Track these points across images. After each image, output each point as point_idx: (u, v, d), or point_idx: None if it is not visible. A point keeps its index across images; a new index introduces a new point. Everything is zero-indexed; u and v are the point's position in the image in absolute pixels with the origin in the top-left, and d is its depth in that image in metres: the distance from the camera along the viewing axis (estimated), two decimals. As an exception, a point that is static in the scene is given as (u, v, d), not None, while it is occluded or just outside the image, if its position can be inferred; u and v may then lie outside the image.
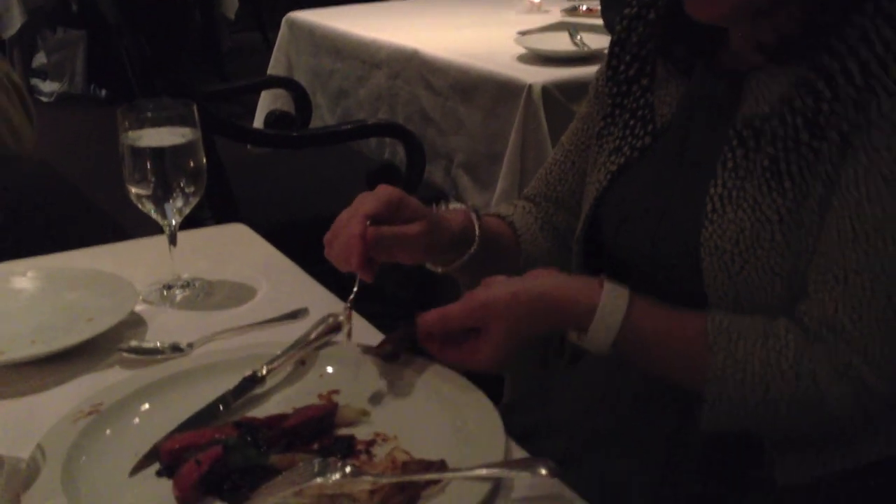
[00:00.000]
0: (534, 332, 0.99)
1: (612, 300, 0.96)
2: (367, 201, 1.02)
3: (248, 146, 3.00)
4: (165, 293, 1.23)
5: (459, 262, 1.11)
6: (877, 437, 0.99)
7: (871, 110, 0.89)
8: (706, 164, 0.99)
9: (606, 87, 1.16)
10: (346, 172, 2.67)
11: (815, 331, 0.92)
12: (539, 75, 2.29)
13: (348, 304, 1.01)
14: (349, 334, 1.01)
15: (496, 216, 1.22)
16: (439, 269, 1.14)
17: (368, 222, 0.99)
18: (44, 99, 6.01)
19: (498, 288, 0.98)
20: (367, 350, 1.01)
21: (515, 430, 0.91)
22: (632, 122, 1.11)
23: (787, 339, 0.92)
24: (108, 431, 0.91)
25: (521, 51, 2.50)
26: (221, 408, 0.95)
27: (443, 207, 1.15)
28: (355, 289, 1.01)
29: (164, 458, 0.86)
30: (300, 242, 1.48)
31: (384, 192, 1.03)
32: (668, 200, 1.05)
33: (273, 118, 2.77)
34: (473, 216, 1.12)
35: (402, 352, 0.99)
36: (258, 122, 3.07)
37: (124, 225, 3.54)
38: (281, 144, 2.63)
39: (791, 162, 0.93)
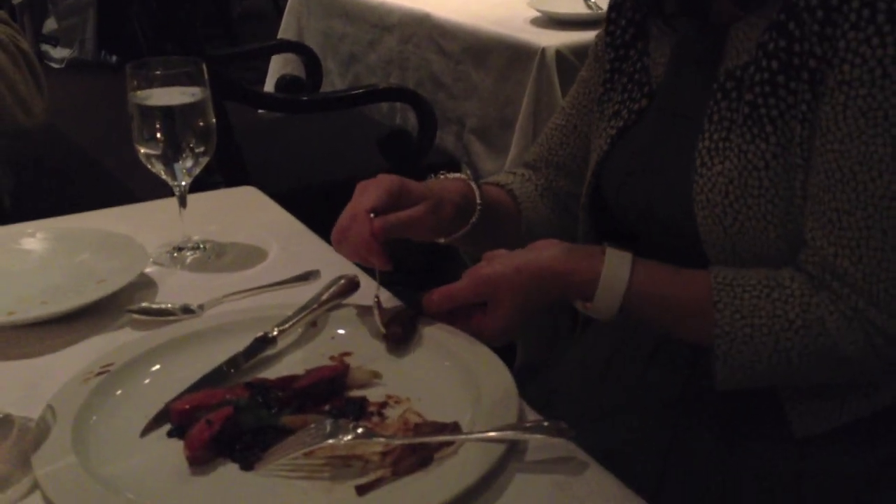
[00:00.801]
0: (539, 304, 1.00)
1: (614, 267, 0.97)
2: (368, 195, 1.01)
3: (259, 111, 3.00)
4: (176, 255, 1.22)
5: (462, 233, 1.12)
6: (892, 383, 0.99)
7: (838, 45, 0.88)
8: (695, 120, 1.00)
9: (605, 52, 1.16)
10: (357, 138, 2.66)
11: (818, 277, 0.92)
12: (552, 38, 2.27)
13: (375, 297, 1.00)
14: (383, 325, 0.99)
15: (495, 184, 1.22)
16: (442, 240, 1.14)
17: (373, 216, 0.99)
18: (54, 65, 5.99)
19: (501, 262, 0.98)
20: (377, 333, 1.00)
21: (527, 394, 0.91)
22: (629, 86, 1.11)
23: (792, 288, 0.92)
24: (118, 392, 0.90)
25: (535, 14, 2.47)
26: (232, 369, 0.94)
27: (441, 177, 1.14)
28: (378, 282, 1.01)
29: (175, 419, 0.86)
30: (311, 207, 1.48)
31: (384, 181, 1.03)
32: (662, 159, 1.05)
33: (284, 83, 2.75)
34: (474, 185, 1.13)
35: (411, 335, 0.98)
36: (269, 88, 3.05)
37: (135, 190, 3.54)
38: (291, 109, 2.62)
39: (770, 106, 0.93)
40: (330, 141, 2.72)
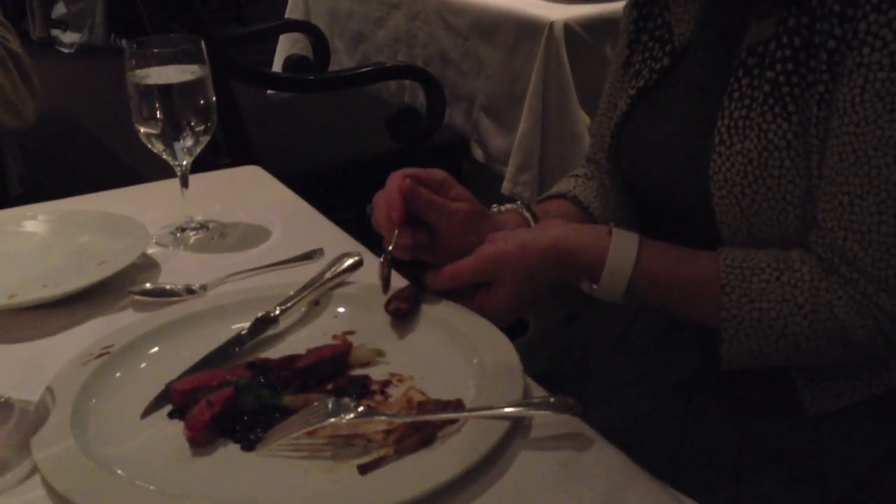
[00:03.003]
0: (544, 284, 0.98)
1: (620, 249, 0.96)
2: (412, 168, 1.01)
3: (267, 92, 2.99)
4: (178, 235, 1.21)
5: None
6: None
7: (858, 27, 0.85)
8: (716, 95, 0.97)
9: (630, 12, 1.13)
10: (366, 117, 2.65)
11: (828, 260, 0.90)
12: (561, 12, 2.25)
13: (386, 256, 0.98)
14: (385, 286, 0.98)
15: (556, 196, 1.18)
16: None
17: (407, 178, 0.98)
18: (64, 50, 6.00)
19: (506, 241, 0.97)
20: (380, 310, 0.98)
21: (534, 370, 0.89)
22: (651, 44, 1.09)
23: (802, 271, 0.90)
24: (118, 374, 0.89)
25: (542, -13, 2.43)
26: (234, 349, 0.93)
27: (494, 209, 1.11)
28: (391, 246, 0.98)
29: (176, 400, 0.85)
30: (319, 188, 1.47)
31: (431, 169, 1.02)
32: (681, 133, 1.03)
33: (291, 63, 2.74)
34: (528, 216, 1.09)
35: (414, 309, 0.97)
36: (276, 68, 3.04)
37: (145, 174, 3.53)
38: (299, 88, 2.61)
39: (793, 84, 0.91)
40: (338, 120, 2.71)
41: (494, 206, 1.12)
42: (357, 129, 2.62)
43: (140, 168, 3.64)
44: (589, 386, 1.14)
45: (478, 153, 2.53)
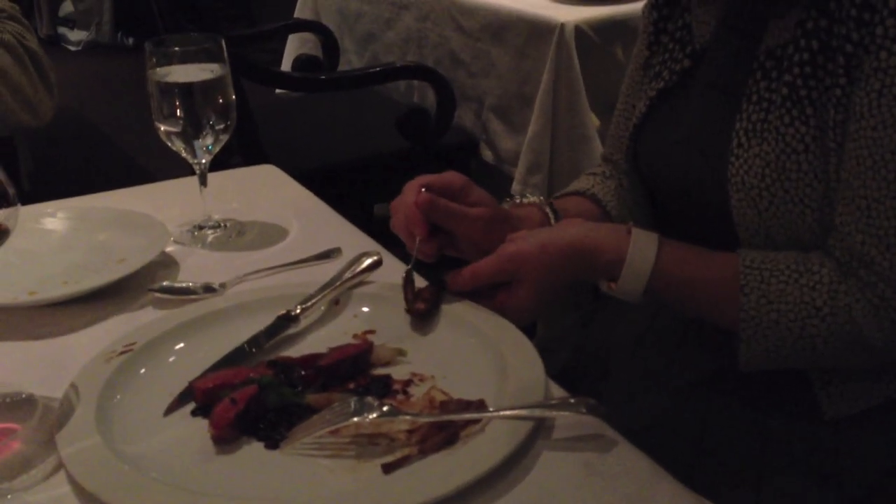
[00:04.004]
0: (563, 283, 0.99)
1: (640, 248, 0.96)
2: (428, 176, 1.02)
3: (277, 91, 2.99)
4: (197, 234, 1.21)
5: None
6: None
7: (875, 31, 0.85)
8: (735, 98, 0.97)
9: (649, 14, 1.13)
10: (375, 117, 2.66)
11: (846, 264, 0.90)
12: (571, 14, 2.25)
13: (409, 268, 0.99)
14: (410, 303, 0.97)
15: (574, 193, 1.19)
16: None
17: (423, 190, 0.99)
18: (71, 48, 6.00)
19: (526, 241, 0.97)
20: (401, 310, 0.98)
21: (552, 369, 0.89)
22: (671, 46, 1.09)
23: (820, 274, 0.90)
24: (142, 371, 0.89)
25: (553, -11, 2.43)
26: (255, 347, 0.93)
27: (516, 201, 1.12)
28: (414, 255, 1.00)
29: (199, 398, 0.85)
30: (330, 187, 1.47)
31: (450, 173, 1.03)
32: (699, 135, 1.03)
33: (301, 62, 2.74)
34: (548, 211, 1.10)
35: (435, 309, 0.97)
36: (286, 67, 3.04)
37: (153, 171, 3.54)
38: (309, 88, 2.61)
39: (811, 88, 0.91)
40: (348, 120, 2.71)
41: (516, 196, 1.13)
42: (366, 129, 2.62)
43: (148, 165, 3.64)
44: (606, 386, 1.14)
45: (487, 154, 2.53)
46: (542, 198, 1.12)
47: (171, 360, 0.92)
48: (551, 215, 1.09)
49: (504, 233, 1.02)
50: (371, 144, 2.49)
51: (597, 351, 1.21)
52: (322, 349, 0.92)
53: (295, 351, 0.94)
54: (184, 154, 1.17)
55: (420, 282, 1.01)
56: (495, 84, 2.44)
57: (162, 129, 1.15)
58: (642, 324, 1.17)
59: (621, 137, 1.18)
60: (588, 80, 2.24)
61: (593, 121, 2.28)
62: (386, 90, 2.82)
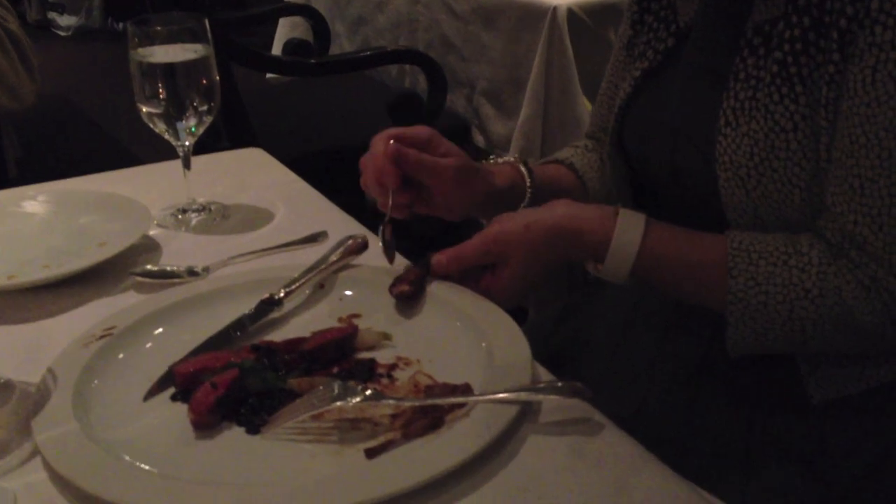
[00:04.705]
0: (550, 264, 0.97)
1: (626, 229, 0.94)
2: (395, 128, 1.02)
3: (267, 76, 2.96)
4: (180, 217, 1.20)
5: None
6: None
7: (870, 6, 0.83)
8: (722, 76, 0.96)
9: None
10: (366, 102, 2.64)
11: (837, 245, 0.89)
12: (564, -3, 2.21)
13: (386, 221, 0.99)
14: (387, 252, 0.98)
15: (553, 161, 1.19)
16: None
17: (392, 141, 0.99)
18: (61, 33, 5.96)
19: (511, 221, 0.97)
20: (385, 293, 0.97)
21: (539, 352, 0.88)
22: (656, 25, 1.07)
23: (810, 255, 0.89)
24: (120, 355, 0.88)
25: (546, -28, 2.41)
26: (238, 331, 0.92)
27: (491, 161, 1.12)
28: (388, 209, 0.99)
29: (179, 382, 0.83)
30: (319, 172, 1.46)
31: (416, 126, 1.03)
32: (685, 114, 1.01)
33: (291, 47, 2.72)
34: (523, 169, 1.10)
35: (419, 292, 0.96)
36: (276, 52, 3.01)
37: (143, 157, 3.51)
38: (299, 72, 2.58)
39: (801, 65, 0.89)
40: (338, 105, 2.69)
41: (492, 157, 1.13)
42: (357, 114, 2.60)
43: (138, 151, 3.61)
44: (592, 372, 1.13)
45: (479, 139, 2.51)
46: (516, 156, 1.12)
47: (151, 344, 0.91)
48: (525, 173, 1.09)
49: (475, 185, 1.03)
50: (362, 129, 2.40)
51: (583, 338, 1.19)
52: (306, 333, 0.91)
53: (278, 335, 0.92)
54: (167, 136, 1.15)
55: (403, 264, 1.00)
56: (487, 68, 2.42)
57: (144, 110, 1.13)
58: (629, 311, 1.15)
59: (605, 117, 1.17)
60: (581, 64, 2.22)
61: (585, 105, 2.26)
62: (377, 75, 2.80)
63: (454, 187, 1.02)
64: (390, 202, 1.00)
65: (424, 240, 1.17)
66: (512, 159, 1.12)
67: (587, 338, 1.18)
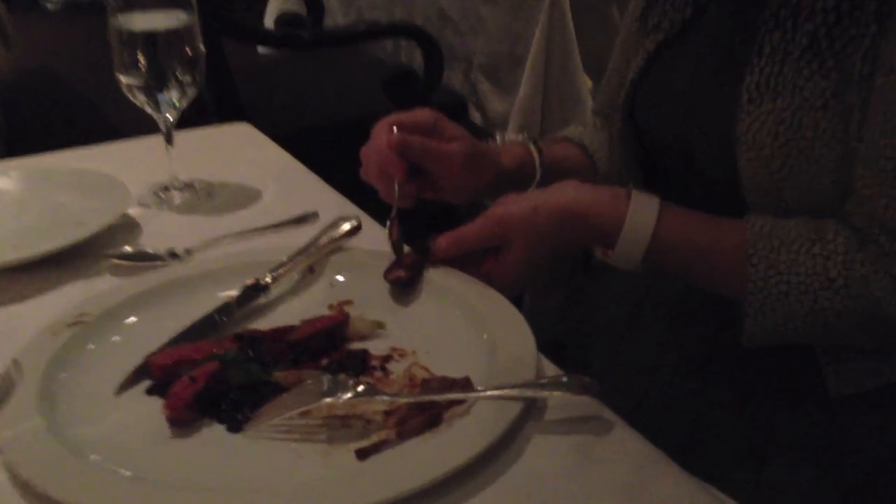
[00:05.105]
0: (556, 248, 0.93)
1: (639, 212, 0.90)
2: (397, 114, 0.99)
3: (258, 50, 2.94)
4: (162, 195, 1.15)
5: None
6: None
7: None
8: (744, 48, 0.90)
9: None
10: (361, 78, 2.61)
11: (865, 231, 0.84)
12: (567, -30, 2.18)
13: (393, 217, 0.94)
14: (395, 249, 0.93)
15: (563, 140, 1.15)
16: None
17: (395, 129, 0.96)
18: (50, 6, 5.89)
19: (515, 203, 0.92)
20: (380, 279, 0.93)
21: (540, 342, 0.84)
22: None
23: (835, 242, 0.84)
24: (92, 345, 0.82)
25: (547, -56, 2.36)
26: (221, 319, 0.86)
27: (497, 140, 1.09)
28: (396, 201, 0.95)
29: (156, 374, 0.78)
30: (311, 150, 1.42)
31: (420, 110, 1.00)
32: (703, 87, 0.96)
33: (284, 20, 2.67)
34: (532, 148, 1.06)
35: (416, 278, 0.91)
36: (268, 25, 2.96)
37: (132, 135, 3.44)
38: (292, 46, 2.57)
39: (834, 38, 0.83)
40: (332, 81, 2.66)
41: (498, 135, 1.10)
42: (351, 89, 2.57)
43: (128, 129, 3.55)
44: (596, 363, 1.09)
45: (476, 116, 2.48)
46: (525, 135, 1.08)
47: (126, 333, 0.85)
48: (535, 153, 1.06)
49: (484, 168, 1.00)
50: (356, 106, 2.43)
51: (585, 326, 1.15)
52: (294, 321, 0.86)
53: (264, 323, 0.87)
54: (148, 109, 1.11)
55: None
56: (485, 43, 2.38)
57: (123, 81, 1.08)
58: (636, 297, 1.11)
59: (614, 93, 1.12)
60: (582, 41, 2.19)
61: (586, 82, 2.23)
62: (372, 50, 2.77)
63: (462, 173, 0.99)
64: (396, 194, 0.95)
65: (423, 221, 1.11)
66: (520, 138, 1.08)
67: (589, 328, 1.14)
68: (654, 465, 0.71)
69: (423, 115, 0.99)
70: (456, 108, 2.49)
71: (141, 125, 1.19)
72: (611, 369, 1.06)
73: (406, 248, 0.95)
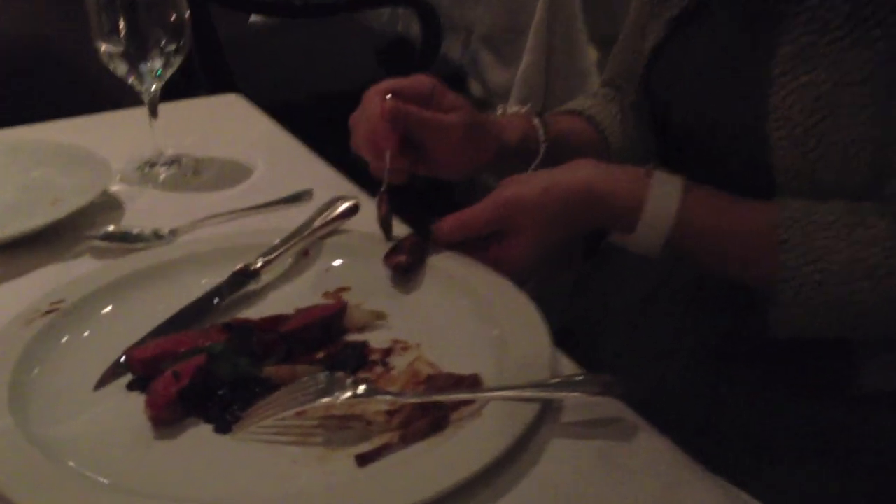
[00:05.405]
0: (569, 232, 0.88)
1: (661, 194, 0.84)
2: (391, 80, 0.92)
3: (250, 18, 2.88)
4: (146, 171, 1.10)
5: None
6: None
7: None
8: (776, 16, 0.85)
9: None
10: (355, 48, 2.58)
11: None
12: (571, -66, 2.15)
13: (384, 193, 0.88)
14: (384, 228, 0.88)
15: (569, 112, 1.08)
16: None
17: (389, 96, 0.89)
18: (37, -27, 5.77)
19: (525, 183, 0.87)
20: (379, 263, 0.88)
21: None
22: None
23: (878, 227, 0.79)
24: (67, 336, 0.77)
25: None
26: (207, 307, 0.81)
27: (498, 112, 1.03)
28: (386, 175, 0.89)
29: (137, 369, 0.72)
30: (304, 123, 1.38)
31: (417, 78, 0.93)
32: (731, 59, 0.91)
33: (276, -14, 2.61)
34: (537, 121, 1.00)
35: (419, 264, 0.86)
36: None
37: (123, 105, 3.37)
38: (284, 14, 2.53)
39: (879, 4, 0.78)
40: (325, 50, 2.62)
41: (500, 107, 1.04)
42: (345, 60, 2.52)
43: (121, 100, 3.48)
44: (607, 352, 1.04)
45: (475, 88, 2.43)
46: (529, 106, 1.02)
47: (104, 323, 0.80)
48: (539, 127, 1.00)
49: (484, 142, 0.93)
50: (350, 77, 2.38)
51: (594, 314, 1.10)
52: (287, 310, 0.80)
53: (255, 311, 0.82)
54: (129, 81, 1.06)
55: (401, 230, 0.90)
56: (485, 12, 2.33)
57: (102, 49, 1.03)
58: (652, 281, 1.06)
59: (628, 63, 1.07)
60: (587, 9, 2.14)
61: (592, 54, 2.19)
62: (367, 18, 2.72)
63: (461, 146, 0.92)
64: (387, 167, 0.89)
65: (415, 198, 1.06)
66: (523, 110, 1.02)
67: (599, 316, 1.10)
68: (682, 471, 0.65)
69: (419, 81, 0.93)
70: (454, 80, 2.44)
71: (133, 95, 1.12)
72: (623, 356, 1.01)
73: (406, 232, 0.89)
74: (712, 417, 0.92)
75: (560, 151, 0.99)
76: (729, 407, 0.92)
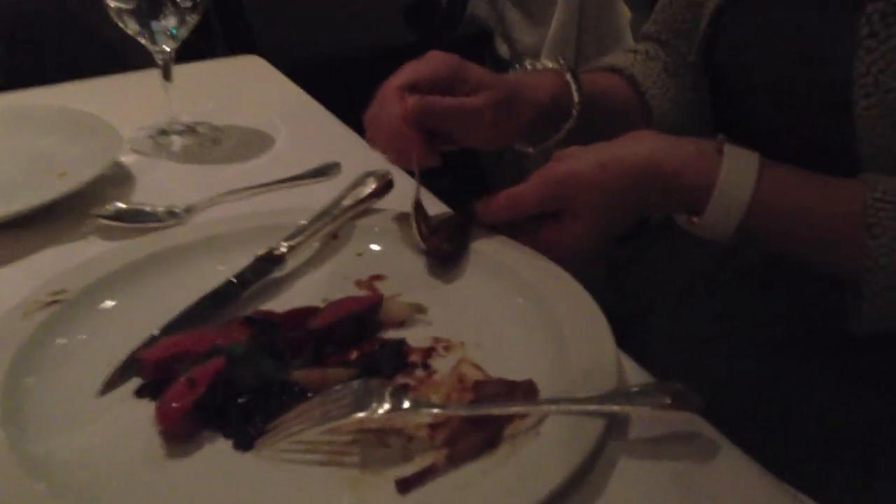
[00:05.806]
0: (630, 214, 0.81)
1: (735, 171, 0.77)
2: (406, 71, 0.85)
3: None
4: (160, 141, 1.06)
5: (554, 140, 0.92)
6: None
7: None
8: None
9: None
10: (380, 4, 2.49)
11: None
12: None
13: (415, 202, 0.81)
14: (422, 237, 0.79)
15: (607, 69, 1.00)
16: (529, 150, 0.95)
17: (406, 93, 0.83)
18: (51, -72, 5.72)
19: (580, 159, 0.80)
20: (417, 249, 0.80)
21: None
22: None
23: None
24: (69, 333, 0.69)
25: None
26: (227, 298, 0.74)
27: (527, 67, 0.94)
28: (417, 181, 0.81)
29: (147, 371, 0.65)
30: (327, 84, 1.37)
31: (434, 57, 0.87)
32: (809, 20, 0.83)
33: (296, -59, 2.53)
34: (570, 78, 0.91)
35: (461, 249, 0.79)
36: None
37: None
38: None
39: None
40: (350, 7, 2.56)
41: (528, 61, 0.96)
42: (370, 17, 2.46)
43: (142, 64, 3.43)
44: (661, 340, 0.98)
45: (503, 49, 2.35)
46: (561, 61, 0.93)
47: (111, 317, 0.72)
48: (573, 84, 0.91)
49: (517, 111, 0.86)
50: (375, 35, 2.34)
51: (632, 301, 1.05)
52: (315, 301, 0.73)
53: (280, 303, 0.74)
54: (142, 40, 1.00)
55: (435, 207, 0.84)
56: (515, -32, 2.25)
57: (112, 4, 0.96)
58: (700, 269, 1.00)
59: (679, 15, 0.99)
60: None
61: (626, 14, 2.11)
62: (392, -26, 2.62)
63: (492, 125, 0.85)
64: (417, 181, 0.82)
65: (467, 176, 0.98)
66: (554, 66, 0.93)
67: (642, 301, 1.03)
68: (770, 497, 0.58)
69: (438, 65, 0.85)
70: (481, 39, 2.39)
71: (149, 56, 1.06)
72: (676, 343, 0.95)
73: (446, 212, 0.81)
74: (791, 418, 0.86)
75: (596, 115, 0.92)
76: (801, 404, 0.86)
